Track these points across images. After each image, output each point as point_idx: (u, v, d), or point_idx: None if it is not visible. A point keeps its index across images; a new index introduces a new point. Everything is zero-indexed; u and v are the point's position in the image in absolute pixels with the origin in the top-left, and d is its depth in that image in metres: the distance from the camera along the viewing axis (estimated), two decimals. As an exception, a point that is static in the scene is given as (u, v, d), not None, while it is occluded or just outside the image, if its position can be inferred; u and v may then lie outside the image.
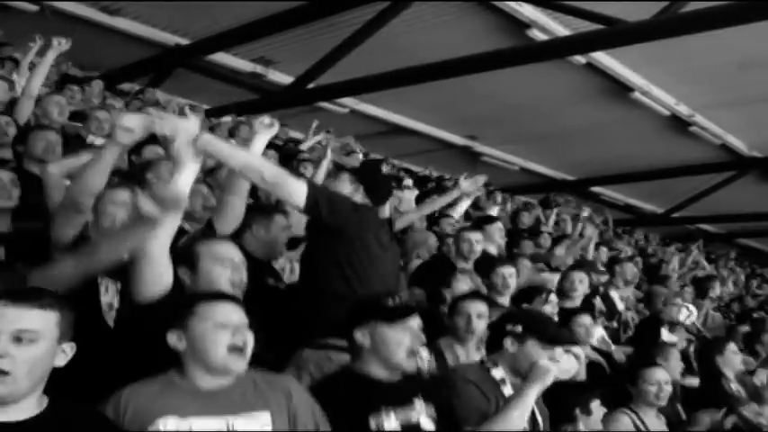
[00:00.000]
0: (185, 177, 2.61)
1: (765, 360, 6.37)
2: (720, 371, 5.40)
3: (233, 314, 2.37)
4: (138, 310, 2.57)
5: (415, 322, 2.83)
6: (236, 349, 2.32)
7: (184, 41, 10.26)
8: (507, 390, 3.06)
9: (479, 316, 3.99)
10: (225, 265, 2.83)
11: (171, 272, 2.61)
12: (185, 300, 2.44)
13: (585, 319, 5.09)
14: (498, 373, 3.14)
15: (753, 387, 5.44)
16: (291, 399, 2.40)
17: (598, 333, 5.65)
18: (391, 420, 2.63)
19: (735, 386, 5.33)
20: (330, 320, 3.13)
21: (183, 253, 2.85)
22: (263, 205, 4.39)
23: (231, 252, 2.91)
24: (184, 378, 2.34)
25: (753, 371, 5.78)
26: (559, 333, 3.43)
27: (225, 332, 2.32)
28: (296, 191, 3.15)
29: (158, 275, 2.55)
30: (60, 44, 5.29)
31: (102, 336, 2.83)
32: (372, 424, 2.58)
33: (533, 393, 2.87)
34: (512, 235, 7.89)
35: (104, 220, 3.16)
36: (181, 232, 3.77)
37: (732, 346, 5.66)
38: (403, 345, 2.75)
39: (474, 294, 4.27)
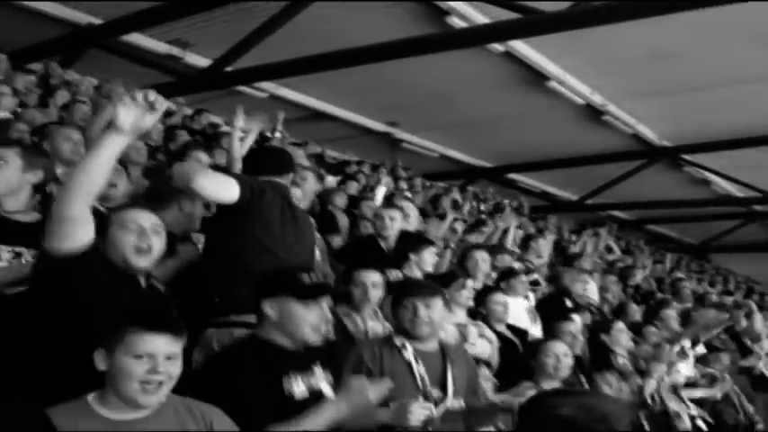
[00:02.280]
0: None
1: (673, 337, 6.58)
2: (609, 348, 5.62)
3: (161, 347, 2.25)
4: (52, 263, 2.52)
5: (326, 302, 2.88)
6: (149, 384, 2.21)
7: (97, 21, 9.93)
8: (408, 354, 3.19)
9: (374, 285, 4.05)
10: (130, 231, 2.74)
11: (89, 232, 2.53)
12: (120, 319, 2.31)
13: (501, 297, 5.17)
14: (399, 340, 3.30)
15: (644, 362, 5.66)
16: (212, 429, 2.35)
17: (528, 304, 5.75)
18: (300, 384, 2.69)
19: (622, 360, 5.53)
20: (232, 298, 3.21)
21: (100, 223, 2.77)
22: None
23: (140, 218, 2.81)
24: (102, 405, 2.25)
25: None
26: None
27: (142, 365, 2.22)
28: (230, 188, 3.28)
29: (73, 234, 2.47)
30: None
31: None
32: (285, 387, 2.64)
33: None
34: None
35: None
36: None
37: (619, 325, 5.88)
38: (309, 322, 2.79)
39: (369, 263, 4.28)
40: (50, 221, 2.51)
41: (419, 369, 3.16)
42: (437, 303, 3.31)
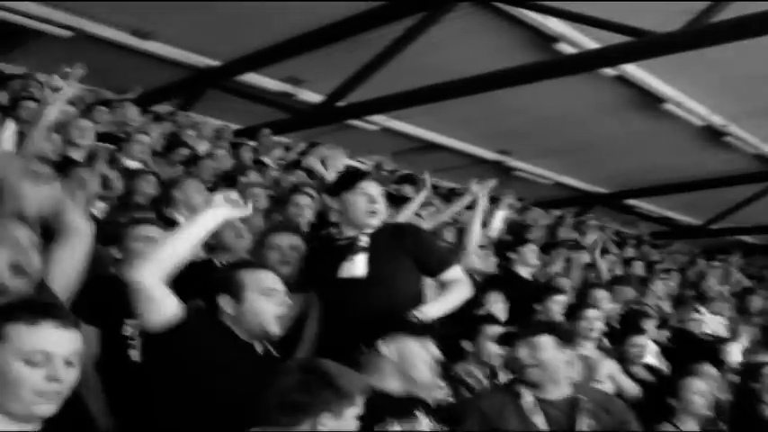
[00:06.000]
0: None
1: None
2: (758, 396, 5.26)
3: (59, 344, 1.89)
4: (149, 339, 2.54)
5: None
6: (44, 393, 1.85)
7: (215, 63, 10.38)
8: (526, 403, 3.03)
9: None
10: (272, 298, 2.66)
11: (171, 302, 2.49)
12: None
13: (641, 339, 4.97)
14: (518, 387, 3.14)
15: None
16: None
17: (652, 347, 5.55)
18: (395, 427, 2.60)
19: None
20: None
21: (224, 281, 2.70)
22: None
23: (277, 284, 2.73)
24: None
25: None
26: None
27: (37, 369, 1.84)
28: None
29: (154, 308, 2.44)
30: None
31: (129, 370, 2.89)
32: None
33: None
34: (548, 248, 7.92)
35: None
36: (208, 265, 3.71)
37: None
38: (425, 360, 2.77)
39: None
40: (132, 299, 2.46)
41: (538, 420, 2.91)
42: (545, 342, 3.01)
